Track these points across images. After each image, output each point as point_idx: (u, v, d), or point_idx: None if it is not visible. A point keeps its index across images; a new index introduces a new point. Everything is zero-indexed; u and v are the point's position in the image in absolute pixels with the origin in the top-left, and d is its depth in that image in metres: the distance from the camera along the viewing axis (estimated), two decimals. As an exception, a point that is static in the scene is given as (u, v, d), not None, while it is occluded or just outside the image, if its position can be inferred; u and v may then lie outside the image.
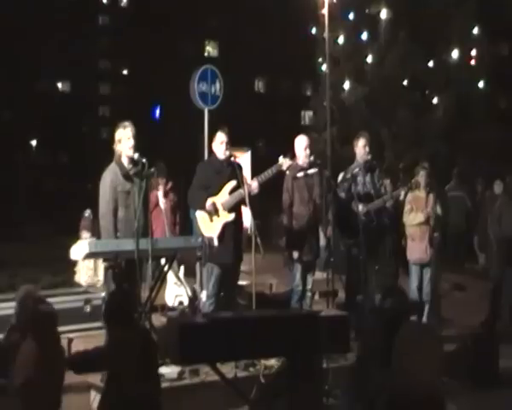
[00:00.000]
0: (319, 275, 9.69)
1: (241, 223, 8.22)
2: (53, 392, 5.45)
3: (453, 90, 18.65)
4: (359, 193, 8.91)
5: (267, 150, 36.24)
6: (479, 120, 18.72)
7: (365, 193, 9.08)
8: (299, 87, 52.59)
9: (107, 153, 7.40)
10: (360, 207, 8.70)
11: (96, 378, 6.59)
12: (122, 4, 60.12)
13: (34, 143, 53.11)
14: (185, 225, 10.92)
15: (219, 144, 8.01)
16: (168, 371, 6.69)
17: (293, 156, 8.39)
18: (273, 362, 7.05)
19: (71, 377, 5.90)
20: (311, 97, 23.07)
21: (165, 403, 5.57)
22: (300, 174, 8.62)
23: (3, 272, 14.70)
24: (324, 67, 17.62)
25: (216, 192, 7.93)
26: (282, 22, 47.08)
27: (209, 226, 7.92)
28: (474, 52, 19.60)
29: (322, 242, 9.44)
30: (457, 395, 6.62)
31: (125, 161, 7.23)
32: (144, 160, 7.04)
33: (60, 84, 56.93)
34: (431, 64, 19.09)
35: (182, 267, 10.28)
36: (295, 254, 8.54)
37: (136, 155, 7.13)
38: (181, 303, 9.90)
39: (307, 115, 29.33)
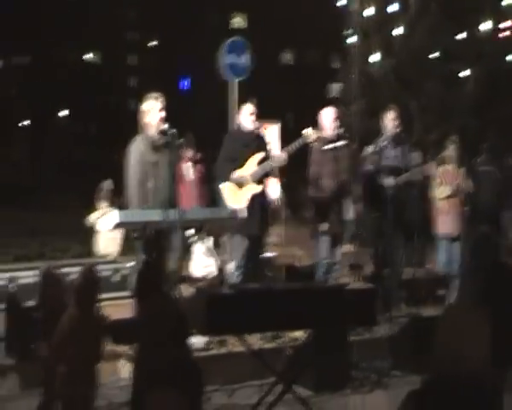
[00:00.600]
0: (346, 248, 9.67)
1: (268, 195, 8.23)
2: (91, 362, 5.50)
3: (484, 63, 18.44)
4: (387, 166, 8.87)
5: (295, 123, 36.07)
6: (509, 93, 18.51)
7: (394, 166, 9.02)
8: (327, 59, 52.14)
9: (134, 124, 7.39)
10: (388, 180, 8.66)
11: (123, 347, 6.64)
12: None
13: (65, 113, 53.56)
14: (211, 196, 10.91)
15: (248, 115, 7.99)
16: (195, 341, 6.73)
17: (318, 128, 8.35)
18: (298, 334, 7.08)
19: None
20: (339, 70, 22.90)
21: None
22: (328, 147, 8.58)
23: (33, 240, 14.91)
24: (352, 40, 17.49)
25: (242, 164, 7.92)
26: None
27: (237, 198, 7.93)
28: (505, 25, 19.34)
29: (351, 215, 9.41)
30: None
31: (154, 132, 7.22)
32: (174, 130, 7.03)
33: (90, 55, 57.17)
34: (461, 36, 18.87)
35: (211, 238, 10.28)
36: (322, 227, 8.53)
37: (165, 126, 7.13)
38: (209, 274, 9.92)
39: (334, 88, 29.04)
